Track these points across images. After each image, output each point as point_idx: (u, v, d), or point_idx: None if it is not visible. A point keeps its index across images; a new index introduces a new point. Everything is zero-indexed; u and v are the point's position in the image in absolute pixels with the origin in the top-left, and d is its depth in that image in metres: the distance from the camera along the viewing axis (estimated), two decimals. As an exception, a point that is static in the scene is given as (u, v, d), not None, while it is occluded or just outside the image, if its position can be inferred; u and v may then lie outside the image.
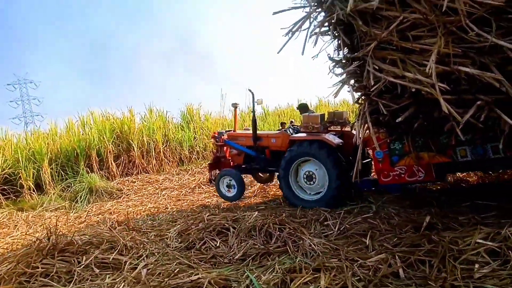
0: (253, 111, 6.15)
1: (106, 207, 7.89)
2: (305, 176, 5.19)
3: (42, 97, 46.22)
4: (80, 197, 8.55)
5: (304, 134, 5.40)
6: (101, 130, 11.17)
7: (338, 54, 3.75)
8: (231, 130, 6.95)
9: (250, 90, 6.02)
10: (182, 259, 3.22)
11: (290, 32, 3.58)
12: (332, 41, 3.72)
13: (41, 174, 9.75)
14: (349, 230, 3.55)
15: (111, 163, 11.09)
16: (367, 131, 3.74)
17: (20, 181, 9.32)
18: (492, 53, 2.75)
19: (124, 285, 2.89)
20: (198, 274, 2.69)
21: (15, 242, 5.27)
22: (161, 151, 12.28)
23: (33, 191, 9.25)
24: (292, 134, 5.97)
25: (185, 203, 6.97)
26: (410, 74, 2.94)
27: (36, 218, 7.42)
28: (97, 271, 3.24)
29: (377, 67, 3.17)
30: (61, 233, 4.38)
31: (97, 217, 6.59)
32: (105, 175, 10.53)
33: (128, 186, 9.56)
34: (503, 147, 3.26)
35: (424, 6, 2.77)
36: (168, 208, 6.62)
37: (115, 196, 8.81)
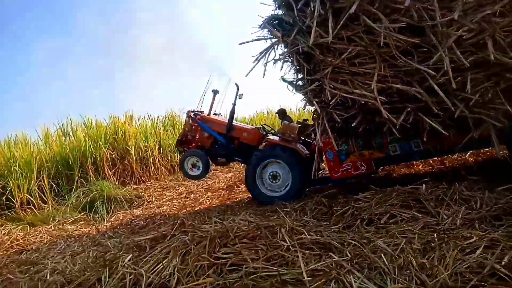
0: (234, 103, 6.60)
1: (136, 213, 7.07)
2: (270, 175, 5.83)
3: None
4: (97, 206, 7.51)
5: (278, 139, 6.07)
6: (97, 136, 10.02)
7: (297, 76, 4.68)
8: (203, 112, 7.07)
9: (236, 84, 6.51)
10: (401, 233, 2.95)
11: (257, 60, 4.51)
12: (292, 67, 4.66)
13: (31, 186, 8.39)
14: None
15: (108, 172, 10.01)
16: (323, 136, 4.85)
17: (8, 195, 7.92)
18: (414, 74, 3.80)
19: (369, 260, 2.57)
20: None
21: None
22: (157, 158, 11.43)
23: (30, 204, 7.90)
24: (263, 133, 6.54)
25: (245, 199, 6.52)
26: (358, 91, 3.97)
27: (61, 232, 6.32)
28: (306, 252, 2.85)
29: (332, 86, 4.12)
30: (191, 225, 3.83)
31: (155, 221, 5.82)
32: (105, 184, 9.40)
33: (144, 192, 8.64)
34: (426, 140, 4.21)
35: (366, 41, 3.80)
36: (233, 206, 6.12)
37: (136, 203, 7.91)
